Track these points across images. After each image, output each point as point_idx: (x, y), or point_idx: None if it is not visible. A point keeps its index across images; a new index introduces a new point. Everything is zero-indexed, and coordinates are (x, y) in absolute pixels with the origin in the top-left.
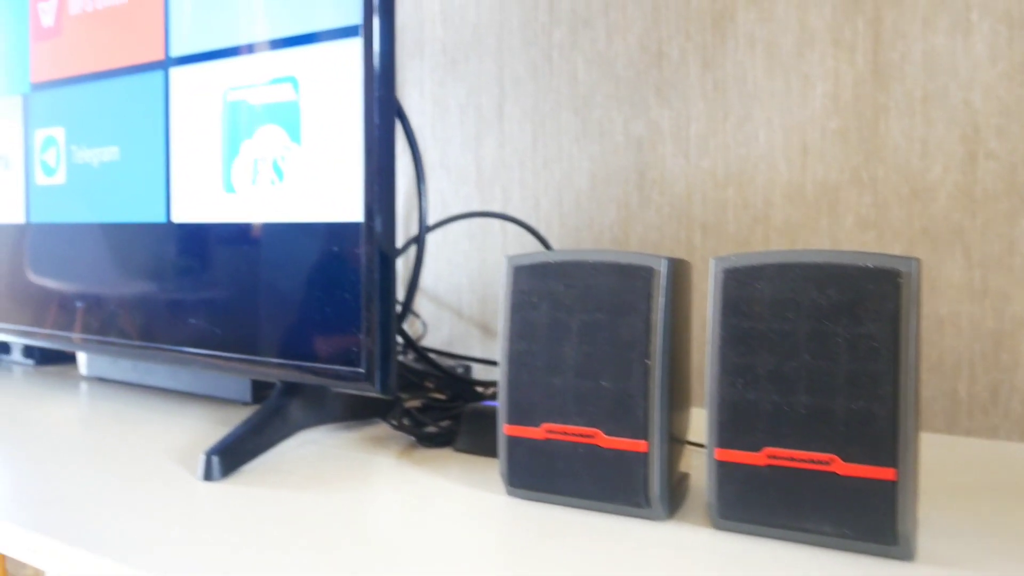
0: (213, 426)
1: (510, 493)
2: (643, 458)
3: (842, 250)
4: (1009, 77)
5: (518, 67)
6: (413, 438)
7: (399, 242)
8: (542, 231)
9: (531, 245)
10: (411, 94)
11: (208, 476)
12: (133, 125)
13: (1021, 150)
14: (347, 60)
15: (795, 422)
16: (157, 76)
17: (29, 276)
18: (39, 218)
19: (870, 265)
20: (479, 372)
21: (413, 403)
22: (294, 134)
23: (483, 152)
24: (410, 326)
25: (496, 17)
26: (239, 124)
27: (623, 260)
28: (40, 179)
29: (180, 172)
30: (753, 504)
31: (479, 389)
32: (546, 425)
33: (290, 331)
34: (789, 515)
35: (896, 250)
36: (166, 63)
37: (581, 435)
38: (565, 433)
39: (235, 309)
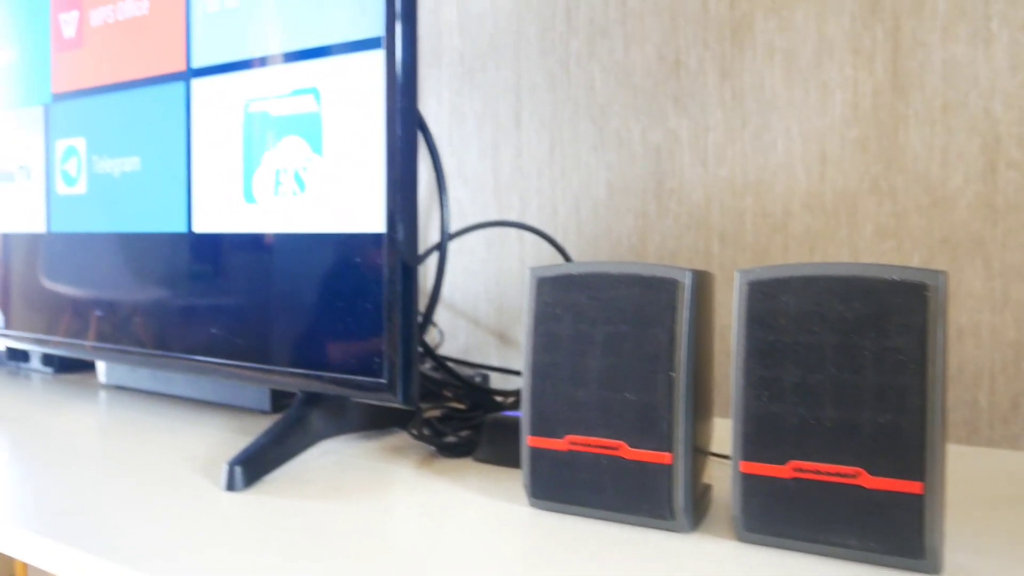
0: (233, 435)
1: (533, 504)
2: (667, 470)
3: (868, 263)
4: None
5: (535, 76)
6: (433, 448)
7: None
8: (559, 240)
9: (548, 254)
10: (428, 103)
11: (231, 486)
12: (154, 136)
13: None
14: (369, 72)
15: (821, 435)
16: (178, 87)
17: (50, 285)
18: (60, 227)
19: (896, 278)
20: (496, 381)
21: (433, 413)
22: (316, 145)
23: (500, 161)
24: (427, 335)
25: (513, 26)
26: (260, 135)
27: (647, 272)
28: (61, 189)
29: (201, 182)
30: (778, 517)
31: (498, 399)
32: (570, 437)
33: (312, 341)
34: (815, 528)
35: (915, 259)
36: (187, 74)
37: (605, 447)
38: (589, 445)
39: (256, 319)
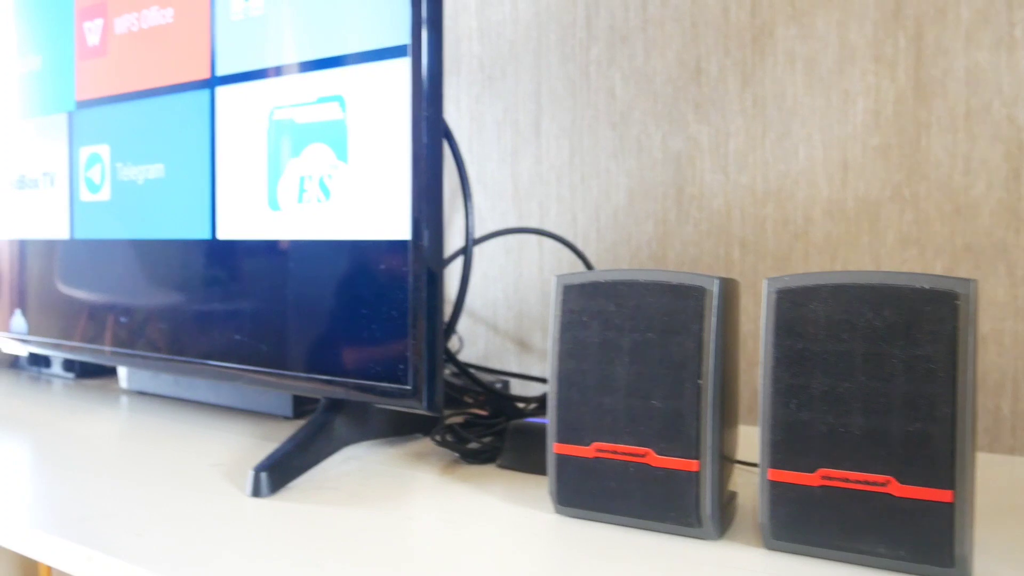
0: (256, 441)
1: (558, 511)
2: (695, 477)
3: (897, 271)
4: None
5: (555, 83)
6: (456, 454)
7: None
8: (578, 247)
9: (568, 261)
10: (448, 109)
11: (256, 492)
12: (178, 143)
13: None
14: (394, 79)
15: (851, 443)
16: (203, 95)
17: (73, 291)
18: (83, 234)
19: (926, 286)
20: (516, 387)
21: (455, 419)
22: (341, 153)
23: (520, 168)
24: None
25: (533, 34)
26: (285, 142)
27: (674, 280)
28: (85, 196)
29: (225, 190)
30: (806, 525)
31: (520, 405)
32: (596, 444)
33: (337, 348)
34: (843, 536)
35: (938, 267)
36: (212, 82)
37: (632, 454)
38: (616, 452)
39: (281, 325)
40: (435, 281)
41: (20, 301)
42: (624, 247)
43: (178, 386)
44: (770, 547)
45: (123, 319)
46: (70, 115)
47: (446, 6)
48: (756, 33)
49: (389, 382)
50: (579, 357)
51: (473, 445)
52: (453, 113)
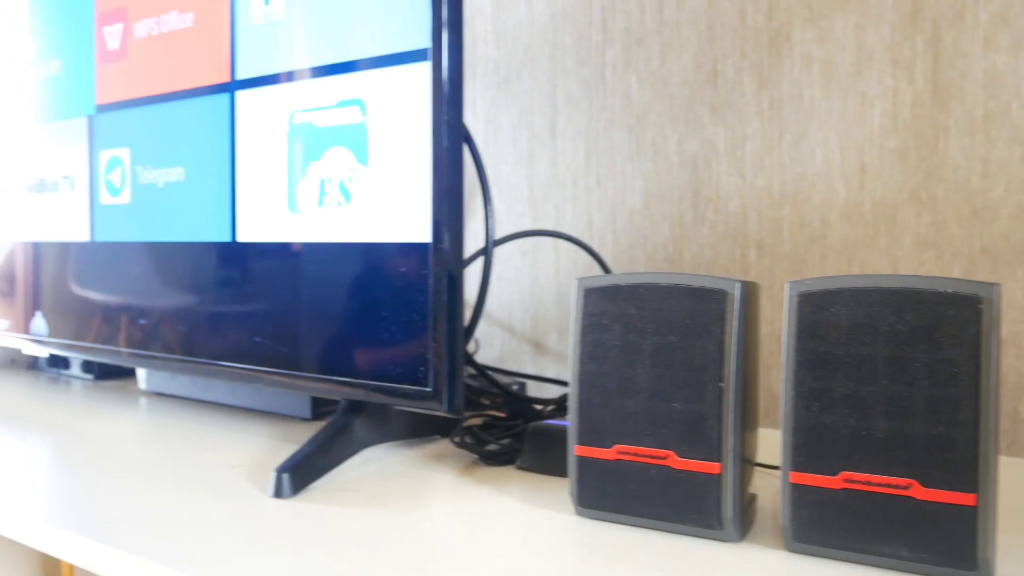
0: (276, 442)
1: (579, 513)
2: (716, 480)
3: (920, 275)
4: None
5: (571, 86)
6: (475, 456)
7: None
8: (593, 249)
9: (584, 263)
10: (464, 112)
11: (278, 494)
12: (199, 146)
13: None
14: (415, 83)
15: (873, 446)
16: (223, 99)
17: (93, 293)
18: (103, 237)
19: (949, 291)
20: (532, 388)
21: (474, 421)
22: (361, 156)
23: (536, 170)
24: None
25: (549, 37)
26: (305, 146)
27: (696, 283)
28: (105, 199)
29: (246, 193)
30: (828, 528)
31: (538, 407)
32: (617, 446)
33: (357, 350)
34: (865, 539)
35: (956, 270)
36: (232, 86)
37: (653, 456)
38: (637, 454)
39: (301, 328)
40: (455, 284)
41: (40, 303)
42: (640, 249)
43: (196, 387)
44: (791, 549)
45: (143, 321)
46: (90, 119)
47: None
48: (773, 36)
49: (410, 384)
50: (600, 360)
51: (492, 447)
52: (469, 116)
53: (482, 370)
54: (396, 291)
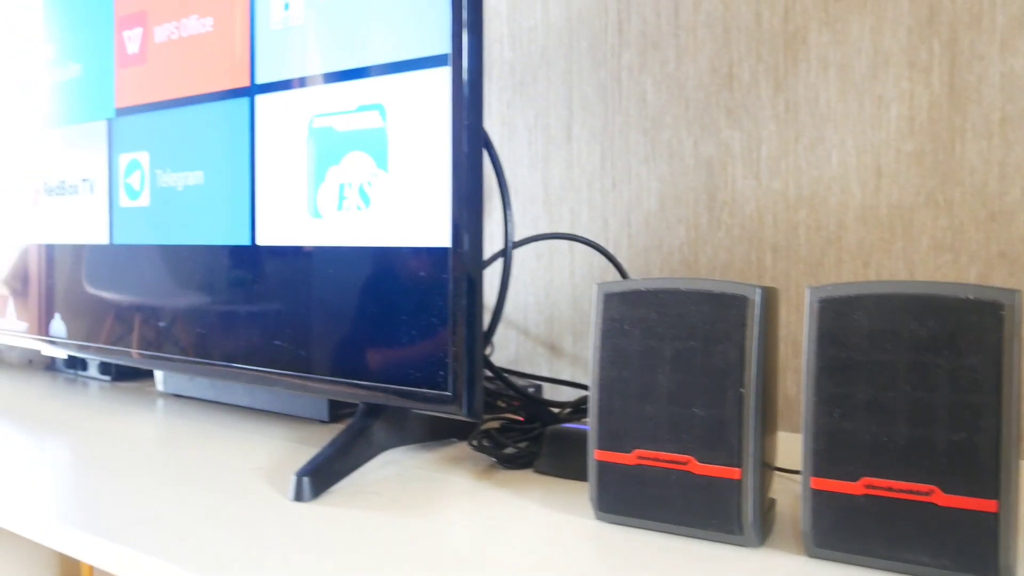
0: (294, 445)
1: (599, 517)
2: (737, 485)
3: (941, 282)
4: None
5: (587, 89)
6: (493, 459)
7: None
8: (609, 251)
9: (599, 266)
10: None
11: (299, 497)
12: (218, 150)
13: None
14: (435, 88)
15: (894, 452)
16: (242, 103)
17: (112, 295)
18: (122, 239)
19: (971, 297)
20: (548, 391)
21: (491, 424)
22: (381, 161)
23: (551, 173)
24: None
25: (565, 39)
26: (325, 150)
27: (716, 289)
28: (124, 202)
29: (265, 196)
30: (849, 533)
31: (555, 410)
32: (638, 451)
33: (377, 354)
34: (886, 545)
35: (972, 274)
36: (252, 90)
37: (674, 461)
38: (657, 459)
39: (321, 331)
40: (475, 288)
41: (59, 305)
42: (656, 252)
43: (213, 389)
44: (812, 555)
45: (162, 323)
46: (109, 122)
47: None
48: (789, 39)
49: (429, 388)
50: (620, 365)
51: (510, 450)
52: (484, 118)
53: (500, 373)
54: (415, 295)
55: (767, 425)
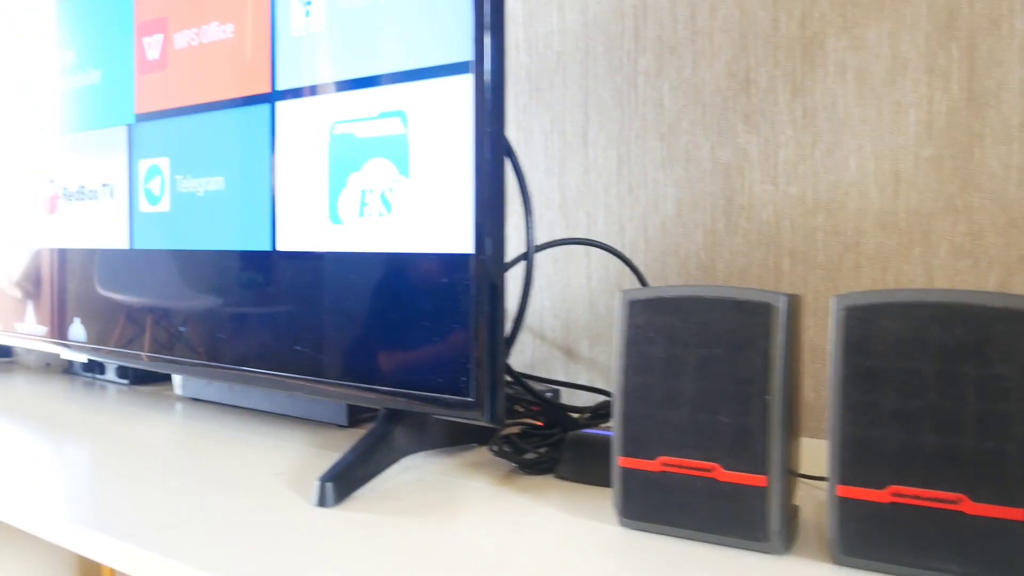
0: (314, 450)
1: (623, 524)
2: (762, 492)
3: (969, 290)
4: None
5: (603, 94)
6: (513, 464)
7: None
8: (631, 260)
9: (616, 271)
10: None
11: (322, 502)
12: (238, 156)
13: None
14: (457, 95)
15: (922, 461)
16: (263, 109)
17: (131, 300)
18: (142, 244)
19: (999, 305)
20: (565, 396)
21: (511, 429)
22: (402, 167)
23: (567, 178)
24: None
25: (581, 45)
26: (346, 157)
27: (742, 296)
28: (144, 207)
29: (286, 202)
30: (876, 541)
31: (574, 415)
32: (662, 458)
33: (398, 359)
34: (914, 553)
35: (992, 279)
36: (272, 96)
37: (699, 468)
38: (682, 466)
39: (342, 337)
40: (497, 294)
41: (79, 309)
42: (672, 257)
43: (232, 393)
44: (838, 562)
45: (182, 328)
46: (129, 128)
47: None
48: (806, 44)
49: (451, 394)
50: (645, 372)
51: (530, 456)
52: None
53: (520, 378)
54: (438, 301)
55: (792, 432)
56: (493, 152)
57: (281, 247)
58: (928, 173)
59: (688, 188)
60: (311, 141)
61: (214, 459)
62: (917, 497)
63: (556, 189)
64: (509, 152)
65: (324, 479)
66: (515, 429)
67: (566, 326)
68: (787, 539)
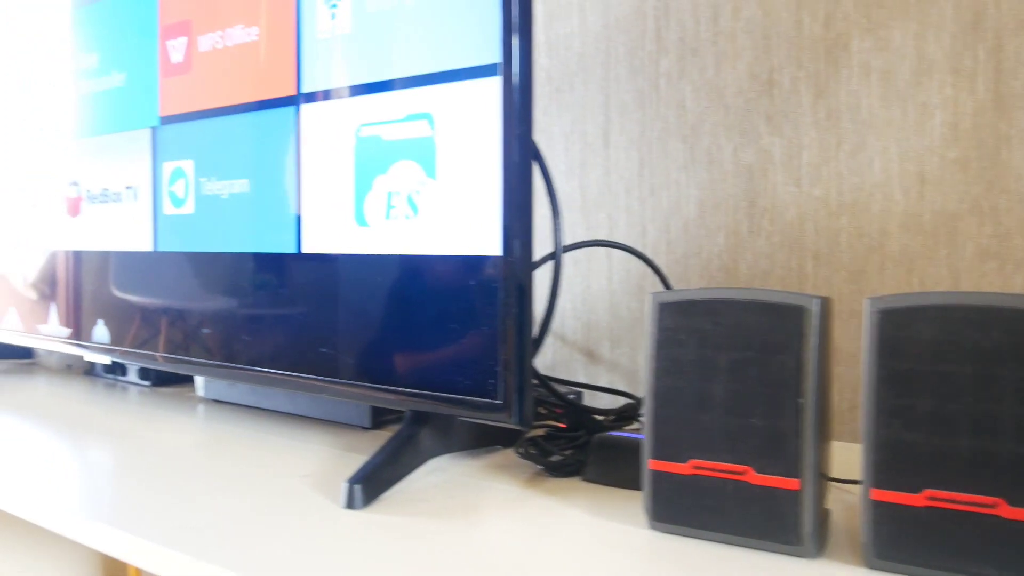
0: (338, 451)
1: (653, 527)
2: (795, 496)
3: (1005, 293)
4: None
5: (624, 96)
6: (539, 467)
7: None
8: (656, 263)
9: (637, 273)
10: None
11: (351, 505)
12: (263, 159)
13: None
14: (484, 98)
15: (958, 465)
16: (288, 112)
17: (155, 302)
18: (166, 246)
19: None
20: (587, 398)
21: (537, 431)
22: (429, 169)
23: (588, 179)
24: None
25: (602, 46)
26: (372, 159)
27: (774, 299)
28: (168, 209)
29: (311, 205)
30: (911, 545)
31: (599, 418)
32: (693, 461)
33: (425, 362)
34: (949, 557)
35: (1018, 281)
36: (297, 99)
37: (731, 471)
38: (713, 469)
39: (368, 339)
40: (525, 296)
41: (102, 311)
42: (695, 259)
43: (254, 395)
44: (872, 566)
45: (206, 330)
46: (153, 131)
47: None
48: (830, 45)
49: (479, 396)
50: (675, 375)
51: (556, 458)
52: None
53: (545, 380)
54: (465, 303)
55: (824, 435)
56: (521, 154)
57: (306, 249)
58: (954, 174)
59: (710, 190)
60: (336, 143)
61: (239, 461)
62: (953, 501)
63: (577, 191)
64: (537, 155)
65: (352, 481)
66: (539, 431)
67: (587, 328)
68: (819, 542)
